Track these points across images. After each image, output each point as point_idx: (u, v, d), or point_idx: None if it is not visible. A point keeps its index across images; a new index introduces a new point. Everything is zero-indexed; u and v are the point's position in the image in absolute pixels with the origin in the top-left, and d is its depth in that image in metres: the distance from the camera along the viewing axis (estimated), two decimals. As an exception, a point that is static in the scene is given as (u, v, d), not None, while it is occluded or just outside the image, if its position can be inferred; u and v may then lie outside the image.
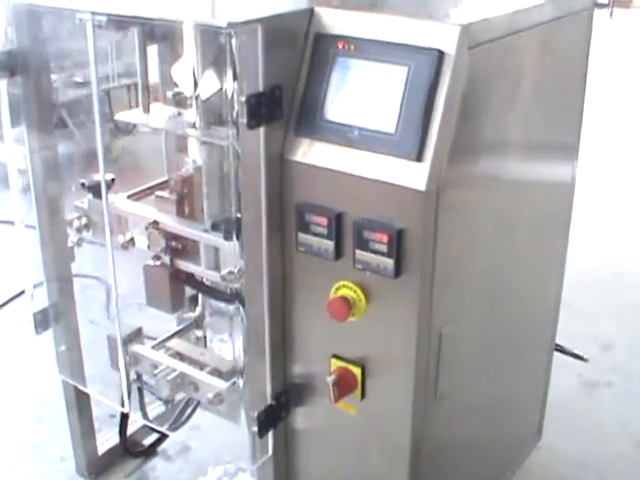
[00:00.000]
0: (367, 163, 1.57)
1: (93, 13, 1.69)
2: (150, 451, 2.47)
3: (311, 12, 1.63)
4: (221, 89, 1.86)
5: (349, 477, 1.90)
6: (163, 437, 2.49)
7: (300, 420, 1.89)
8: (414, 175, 1.52)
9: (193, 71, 1.87)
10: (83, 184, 2.05)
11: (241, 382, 1.90)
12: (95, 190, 2.03)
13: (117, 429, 2.45)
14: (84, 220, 1.98)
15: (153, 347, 2.15)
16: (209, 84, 1.87)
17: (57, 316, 2.20)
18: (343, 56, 1.60)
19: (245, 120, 1.55)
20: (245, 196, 1.64)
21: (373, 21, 1.57)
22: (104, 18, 1.68)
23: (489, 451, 2.25)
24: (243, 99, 1.53)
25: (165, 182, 2.12)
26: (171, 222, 1.92)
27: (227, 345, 2.18)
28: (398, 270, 1.58)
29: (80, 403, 2.30)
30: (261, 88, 1.56)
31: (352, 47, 1.59)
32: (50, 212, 2.09)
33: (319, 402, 1.83)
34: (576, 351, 2.57)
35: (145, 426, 2.46)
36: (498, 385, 2.16)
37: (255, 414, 1.80)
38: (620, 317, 3.47)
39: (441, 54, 1.50)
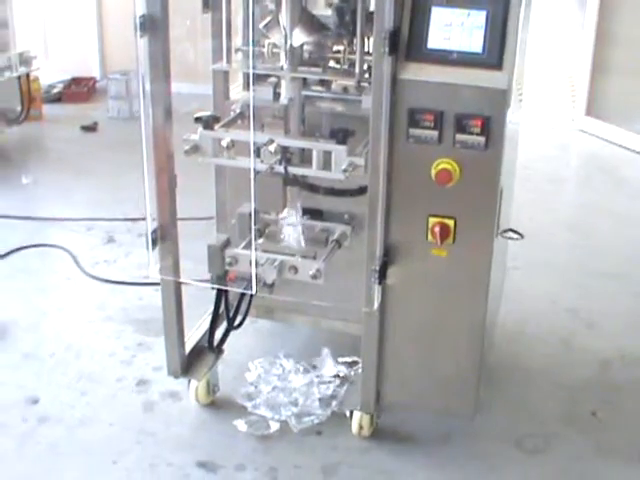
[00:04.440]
0: (464, 75, 2.54)
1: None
2: (221, 349, 3.26)
3: (407, -24, 2.58)
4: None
5: (437, 317, 2.83)
6: (225, 337, 3.27)
7: (397, 274, 2.81)
8: (498, 80, 2.52)
9: (284, 26, 2.75)
10: (199, 118, 2.83)
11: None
12: (205, 123, 2.83)
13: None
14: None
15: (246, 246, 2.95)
16: (301, 36, 2.77)
17: (164, 235, 2.93)
18: (437, 5, 2.56)
19: (387, 49, 2.47)
20: (374, 105, 2.56)
21: (460, -20, 2.56)
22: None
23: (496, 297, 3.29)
24: (386, 35, 2.46)
25: (235, 117, 2.96)
26: (289, 139, 2.77)
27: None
28: (487, 145, 2.57)
29: (178, 305, 3.02)
30: (392, 28, 2.49)
31: (444, -1, 2.56)
32: (165, 147, 2.83)
33: (416, 253, 2.75)
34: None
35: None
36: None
37: (377, 267, 2.72)
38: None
39: (508, 0, 2.53)
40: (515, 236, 3.50)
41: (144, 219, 4.45)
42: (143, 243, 4.29)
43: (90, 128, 5.95)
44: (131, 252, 4.37)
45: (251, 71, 2.64)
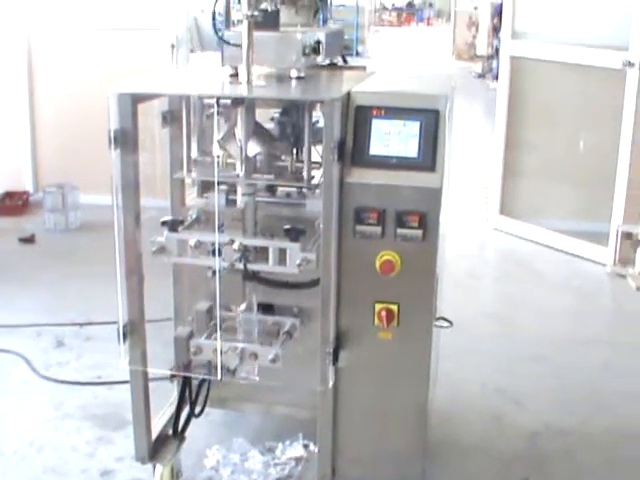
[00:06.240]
0: (403, 177, 2.98)
1: (219, 97, 2.94)
2: (183, 435, 3.55)
3: (348, 94, 3.05)
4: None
5: (385, 395, 3.19)
6: (187, 424, 3.57)
7: (347, 357, 3.17)
8: (432, 180, 2.97)
9: (240, 139, 3.16)
10: (164, 222, 3.20)
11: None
12: (171, 226, 3.20)
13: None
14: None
15: (205, 338, 3.30)
16: (255, 147, 3.19)
17: (133, 329, 3.25)
18: (377, 118, 3.01)
19: (336, 157, 2.91)
20: (325, 207, 2.98)
21: (396, 96, 3.04)
22: (229, 101, 2.95)
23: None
24: (335, 145, 2.90)
25: (193, 221, 3.34)
26: (247, 239, 3.15)
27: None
28: (424, 237, 3.00)
29: (145, 394, 3.31)
30: (339, 138, 2.94)
31: (383, 112, 3.02)
32: (135, 250, 3.18)
33: (364, 337, 3.12)
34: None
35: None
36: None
37: (331, 350, 3.09)
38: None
39: (438, 112, 3.00)
40: (446, 324, 3.94)
41: (91, 324, 4.79)
42: (92, 346, 4.69)
43: (28, 240, 6.23)
44: (82, 355, 4.63)
45: (216, 179, 3.03)
